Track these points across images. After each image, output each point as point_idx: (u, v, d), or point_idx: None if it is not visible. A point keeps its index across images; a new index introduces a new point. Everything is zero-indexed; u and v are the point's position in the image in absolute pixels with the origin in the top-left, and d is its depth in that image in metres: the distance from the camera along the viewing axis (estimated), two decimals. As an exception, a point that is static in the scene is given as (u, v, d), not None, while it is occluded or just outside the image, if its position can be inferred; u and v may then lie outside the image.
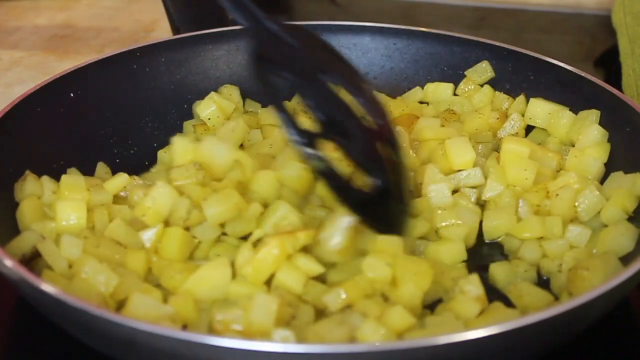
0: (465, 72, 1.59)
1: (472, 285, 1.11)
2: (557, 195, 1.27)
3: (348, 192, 1.15)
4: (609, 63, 1.98)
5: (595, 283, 1.10)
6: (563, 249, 1.22)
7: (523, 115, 1.49)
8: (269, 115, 1.51)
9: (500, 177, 1.33)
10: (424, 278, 1.11)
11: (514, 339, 0.92)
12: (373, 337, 0.98)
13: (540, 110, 1.47)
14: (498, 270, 1.21)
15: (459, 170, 1.35)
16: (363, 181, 1.16)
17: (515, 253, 1.26)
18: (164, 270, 1.15)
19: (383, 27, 1.66)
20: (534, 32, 2.29)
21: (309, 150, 1.09)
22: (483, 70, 1.58)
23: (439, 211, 1.25)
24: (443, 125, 1.45)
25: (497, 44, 1.59)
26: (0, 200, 1.22)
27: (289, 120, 1.09)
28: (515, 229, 1.27)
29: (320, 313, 1.10)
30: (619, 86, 1.72)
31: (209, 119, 1.49)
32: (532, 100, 1.48)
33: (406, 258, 1.14)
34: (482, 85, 1.58)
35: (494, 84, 1.57)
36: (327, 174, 1.12)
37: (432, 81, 1.62)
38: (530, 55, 1.55)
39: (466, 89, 1.58)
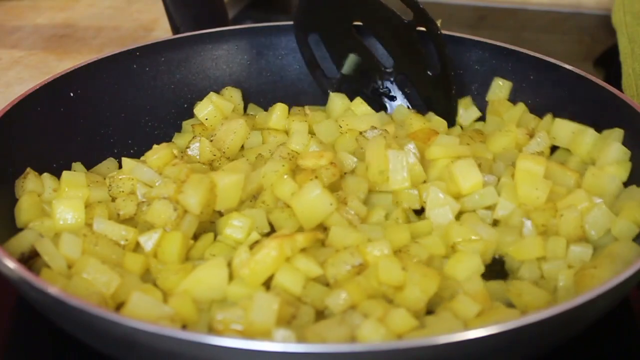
0: (486, 99, 1.55)
1: (474, 285, 1.11)
2: (561, 215, 1.23)
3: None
4: (609, 63, 1.98)
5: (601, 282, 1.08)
6: (560, 268, 1.18)
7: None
8: (267, 119, 1.51)
9: (512, 195, 1.28)
10: (431, 282, 1.10)
11: (514, 338, 0.92)
12: (373, 337, 0.98)
13: (563, 130, 1.40)
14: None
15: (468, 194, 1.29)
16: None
17: (516, 273, 1.22)
18: (160, 270, 1.15)
19: (383, 27, 1.66)
20: (534, 31, 2.29)
21: None
22: (499, 87, 1.54)
23: (456, 226, 1.21)
24: (468, 144, 1.39)
25: (497, 43, 1.58)
26: (1, 198, 1.22)
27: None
28: (514, 250, 1.22)
29: (321, 313, 1.10)
30: (619, 86, 1.72)
31: (207, 119, 1.49)
32: (556, 120, 1.42)
33: (414, 262, 1.14)
34: (509, 100, 1.53)
35: (494, 83, 1.57)
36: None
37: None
38: (530, 55, 1.54)
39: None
